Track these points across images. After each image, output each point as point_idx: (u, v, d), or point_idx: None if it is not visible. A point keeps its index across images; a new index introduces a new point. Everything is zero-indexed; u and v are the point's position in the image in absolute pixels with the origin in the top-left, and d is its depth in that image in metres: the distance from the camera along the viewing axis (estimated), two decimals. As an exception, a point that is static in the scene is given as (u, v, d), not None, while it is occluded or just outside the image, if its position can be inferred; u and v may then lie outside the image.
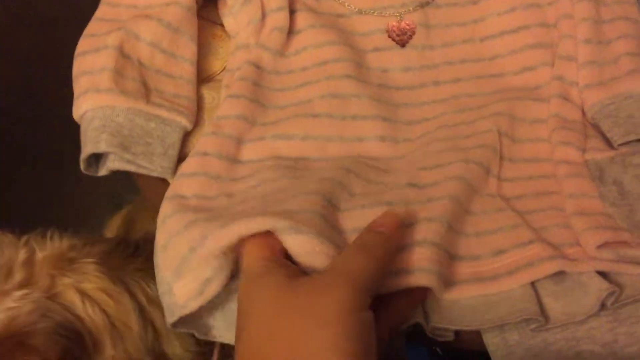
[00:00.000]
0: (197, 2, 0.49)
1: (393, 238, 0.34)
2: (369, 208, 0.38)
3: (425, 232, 0.36)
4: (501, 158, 0.42)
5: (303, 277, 0.32)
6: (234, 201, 0.40)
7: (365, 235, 0.34)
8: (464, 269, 0.36)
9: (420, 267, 0.34)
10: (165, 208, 0.39)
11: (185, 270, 0.36)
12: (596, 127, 0.44)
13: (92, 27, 0.46)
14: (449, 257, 0.36)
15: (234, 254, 0.35)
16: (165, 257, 0.37)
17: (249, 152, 0.43)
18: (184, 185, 0.40)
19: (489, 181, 0.41)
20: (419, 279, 0.34)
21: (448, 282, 0.35)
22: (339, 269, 0.31)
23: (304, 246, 0.33)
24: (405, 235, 0.36)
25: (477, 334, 0.36)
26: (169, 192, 0.41)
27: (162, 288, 0.37)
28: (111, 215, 0.86)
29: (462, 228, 0.38)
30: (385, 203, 0.38)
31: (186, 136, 0.45)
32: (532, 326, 0.35)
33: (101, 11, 0.48)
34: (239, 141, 0.43)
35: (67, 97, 0.45)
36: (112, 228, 0.84)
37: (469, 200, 0.39)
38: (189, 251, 0.36)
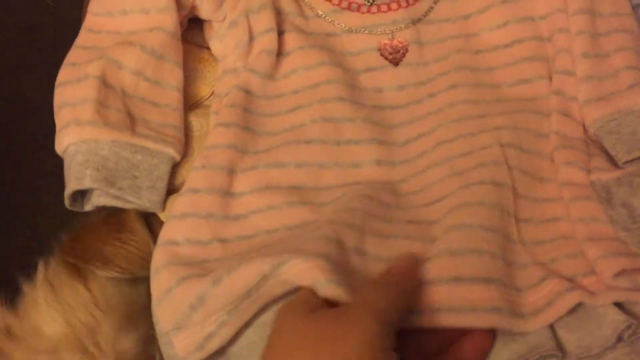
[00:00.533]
0: (181, 26, 0.47)
1: (411, 277, 0.33)
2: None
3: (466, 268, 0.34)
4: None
5: (326, 309, 0.30)
6: (228, 252, 0.38)
7: (384, 276, 0.33)
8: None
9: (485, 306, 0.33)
10: (157, 257, 0.38)
11: (185, 325, 0.35)
12: (599, 144, 0.43)
13: (72, 55, 0.44)
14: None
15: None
16: (162, 311, 0.36)
17: (241, 183, 0.41)
18: (175, 228, 0.38)
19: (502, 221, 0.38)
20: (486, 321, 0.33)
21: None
22: (361, 301, 0.30)
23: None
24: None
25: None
26: (161, 238, 0.39)
27: (162, 339, 0.36)
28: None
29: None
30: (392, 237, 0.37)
31: (175, 167, 0.43)
32: (547, 360, 0.33)
33: (82, 38, 0.46)
34: (231, 172, 0.41)
35: (49, 104, 0.43)
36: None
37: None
38: (189, 309, 0.35)
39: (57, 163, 0.42)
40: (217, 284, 0.34)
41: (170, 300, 0.35)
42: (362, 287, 0.32)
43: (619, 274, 0.34)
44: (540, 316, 0.34)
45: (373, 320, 0.28)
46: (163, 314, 0.36)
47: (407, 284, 0.33)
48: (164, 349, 0.35)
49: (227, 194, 0.41)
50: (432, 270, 0.34)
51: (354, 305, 0.30)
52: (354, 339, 0.27)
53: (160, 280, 0.36)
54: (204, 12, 0.47)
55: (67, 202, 0.41)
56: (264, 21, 0.46)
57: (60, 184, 0.41)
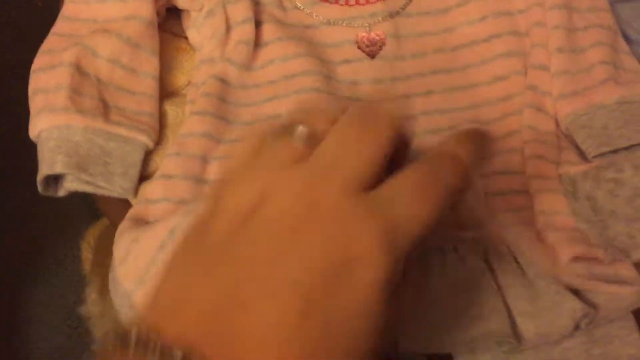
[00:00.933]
0: (159, 15, 0.47)
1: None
2: None
3: None
4: None
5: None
6: None
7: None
8: None
9: None
10: (124, 224, 0.38)
11: (149, 275, 0.35)
12: (570, 138, 0.43)
13: (48, 42, 0.45)
14: None
15: None
16: (125, 268, 0.36)
17: (214, 172, 0.41)
18: (147, 211, 0.39)
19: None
20: None
21: None
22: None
23: None
24: None
25: (450, 357, 0.34)
26: (131, 214, 0.39)
27: (119, 301, 0.36)
28: (89, 225, 0.84)
29: None
30: None
31: (149, 154, 0.43)
32: (505, 348, 0.33)
33: (58, 26, 0.46)
34: (205, 160, 0.42)
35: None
36: (90, 239, 0.82)
37: None
38: (158, 249, 0.35)
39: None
40: (174, 232, 0.35)
41: (136, 249, 0.36)
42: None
43: (574, 260, 0.34)
44: None
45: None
46: (124, 271, 0.36)
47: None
48: (121, 317, 0.35)
49: (201, 180, 0.41)
50: None
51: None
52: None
53: (125, 238, 0.37)
54: (182, 1, 0.47)
55: (39, 187, 0.41)
56: (241, 11, 0.46)
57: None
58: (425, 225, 0.21)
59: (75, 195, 0.42)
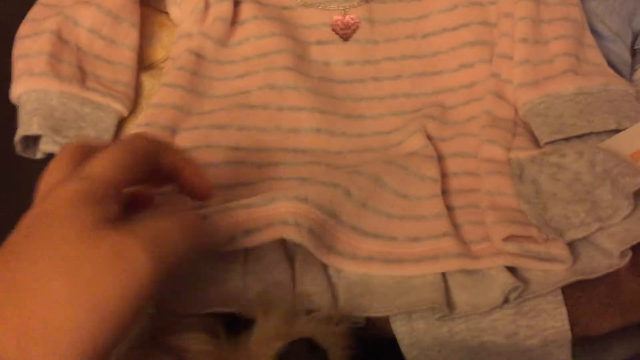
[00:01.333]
0: (143, -9, 0.49)
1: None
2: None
3: (309, 192, 0.37)
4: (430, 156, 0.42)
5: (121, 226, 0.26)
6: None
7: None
8: (377, 247, 0.37)
9: (283, 219, 0.35)
10: None
11: None
12: (527, 125, 0.45)
13: (34, 11, 0.47)
14: (339, 224, 0.37)
15: None
16: None
17: (182, 141, 0.43)
18: None
19: (433, 165, 0.41)
20: (281, 231, 0.35)
21: (348, 253, 0.36)
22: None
23: None
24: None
25: (387, 321, 0.36)
26: None
27: None
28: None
29: (385, 208, 0.39)
30: (300, 179, 0.40)
31: (123, 122, 0.45)
32: (437, 315, 0.35)
33: (45, -4, 0.48)
34: (174, 131, 0.44)
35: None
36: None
37: (402, 183, 0.40)
38: None
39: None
40: None
41: None
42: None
43: (508, 239, 0.36)
44: (419, 264, 0.36)
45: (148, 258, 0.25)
46: None
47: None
48: None
49: None
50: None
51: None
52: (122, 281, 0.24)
53: None
54: (164, -23, 0.49)
55: (18, 148, 0.44)
56: None
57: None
58: None
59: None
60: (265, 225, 0.35)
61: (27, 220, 0.26)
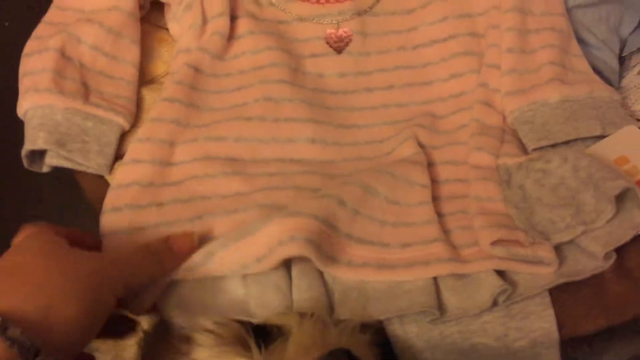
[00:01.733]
0: (143, 8, 0.51)
1: (180, 257, 0.38)
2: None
3: (302, 205, 0.38)
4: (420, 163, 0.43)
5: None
6: (162, 216, 0.42)
7: (158, 244, 0.38)
8: (371, 253, 0.38)
9: (284, 239, 0.37)
10: (103, 223, 0.42)
11: None
12: (515, 132, 0.46)
13: (39, 29, 0.49)
14: (335, 232, 0.38)
15: None
16: None
17: (181, 154, 0.45)
18: (119, 196, 0.42)
19: (423, 172, 0.43)
20: (287, 251, 0.36)
21: (344, 260, 0.38)
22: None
23: None
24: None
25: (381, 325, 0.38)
26: (106, 205, 0.42)
27: None
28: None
29: (379, 216, 0.40)
30: (295, 187, 0.42)
31: (125, 135, 0.47)
32: (429, 319, 0.37)
33: (50, 14, 0.50)
34: (172, 144, 0.45)
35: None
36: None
37: (393, 190, 0.41)
38: None
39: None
40: None
41: None
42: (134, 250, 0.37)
43: (495, 243, 0.37)
44: (411, 269, 0.37)
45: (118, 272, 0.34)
46: None
47: (174, 261, 0.38)
48: None
49: (168, 164, 0.44)
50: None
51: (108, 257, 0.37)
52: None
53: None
54: (162, -5, 0.51)
55: (25, 162, 0.45)
56: (217, 6, 0.50)
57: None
58: None
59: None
60: (270, 249, 0.37)
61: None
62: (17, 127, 0.46)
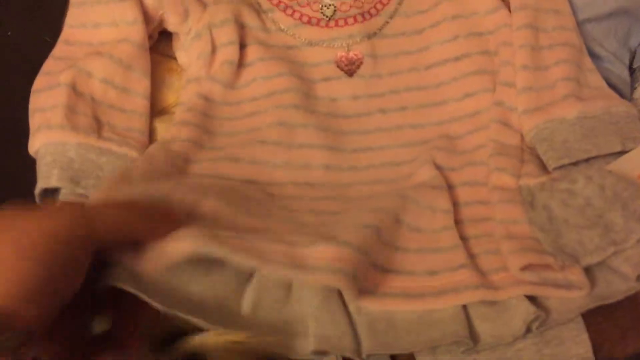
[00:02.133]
0: (151, 38, 0.51)
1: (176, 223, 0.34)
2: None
3: (348, 235, 0.37)
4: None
5: None
6: None
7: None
8: (396, 283, 0.38)
9: (328, 267, 0.35)
10: None
11: None
12: (533, 151, 0.45)
13: (48, 65, 0.48)
14: (370, 264, 0.37)
15: None
16: None
17: (196, 170, 0.44)
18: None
19: (444, 196, 0.42)
20: (327, 279, 0.35)
21: (369, 290, 0.36)
22: None
23: None
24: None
25: (412, 356, 0.37)
26: None
27: None
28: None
29: (401, 243, 0.39)
30: (313, 211, 0.42)
31: (138, 167, 0.46)
32: (462, 348, 0.36)
33: (58, 49, 0.49)
34: (187, 160, 0.45)
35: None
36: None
37: (415, 217, 0.41)
38: None
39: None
40: None
41: None
42: None
43: (525, 268, 0.37)
44: (440, 297, 0.36)
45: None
46: None
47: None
48: None
49: (183, 172, 0.44)
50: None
51: None
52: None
53: None
54: (171, 25, 0.50)
55: (37, 200, 0.44)
56: (226, 34, 0.49)
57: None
58: None
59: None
60: (311, 268, 0.35)
61: None
62: (17, 128, 0.45)
